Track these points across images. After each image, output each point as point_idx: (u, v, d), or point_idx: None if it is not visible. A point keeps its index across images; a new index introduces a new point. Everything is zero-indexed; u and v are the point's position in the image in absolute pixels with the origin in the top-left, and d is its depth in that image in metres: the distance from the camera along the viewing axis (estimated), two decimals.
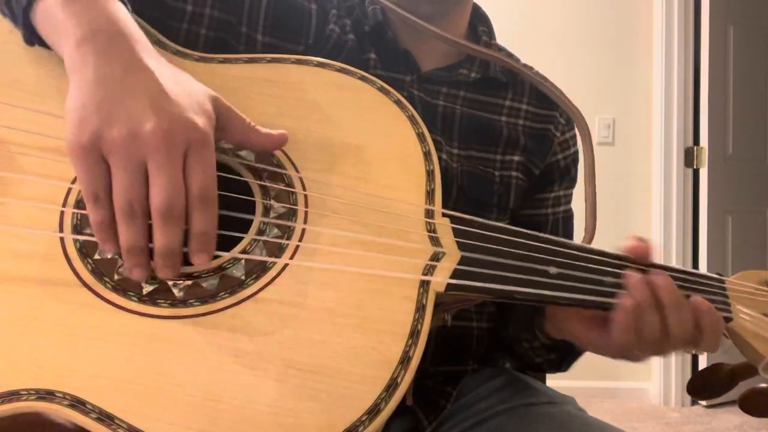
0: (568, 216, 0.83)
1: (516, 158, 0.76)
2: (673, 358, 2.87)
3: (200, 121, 0.45)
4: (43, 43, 0.52)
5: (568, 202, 0.83)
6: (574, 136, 0.81)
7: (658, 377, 2.92)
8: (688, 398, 2.91)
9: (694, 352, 0.54)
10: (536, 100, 0.79)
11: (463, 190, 0.71)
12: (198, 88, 0.48)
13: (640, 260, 0.55)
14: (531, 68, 0.77)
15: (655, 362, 2.92)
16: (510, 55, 0.78)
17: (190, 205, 0.44)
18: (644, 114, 2.97)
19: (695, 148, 2.91)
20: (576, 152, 0.82)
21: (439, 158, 0.69)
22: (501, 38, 0.83)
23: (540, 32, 2.93)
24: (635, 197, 2.96)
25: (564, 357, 0.74)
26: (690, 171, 2.94)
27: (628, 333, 0.53)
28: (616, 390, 2.92)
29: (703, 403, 2.85)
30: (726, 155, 2.94)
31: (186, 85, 0.47)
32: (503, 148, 0.76)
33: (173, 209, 0.43)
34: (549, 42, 2.92)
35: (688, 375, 2.92)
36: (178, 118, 0.44)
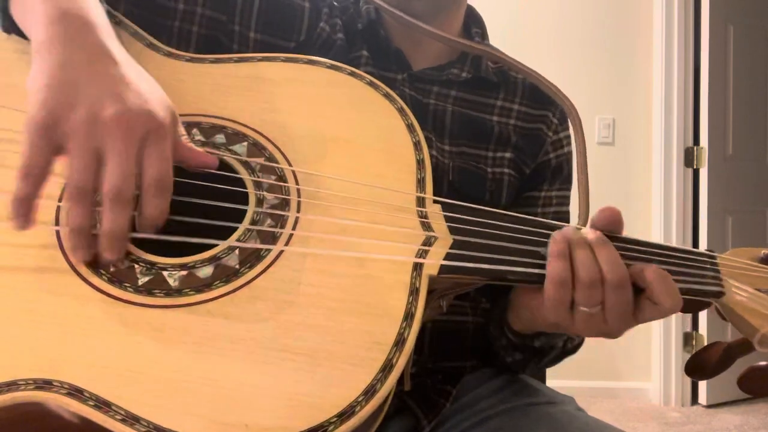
0: (561, 219, 0.81)
1: (507, 155, 0.76)
2: (673, 359, 2.87)
3: (160, 113, 0.46)
4: (18, 32, 0.53)
5: (561, 203, 0.82)
6: (569, 135, 0.81)
7: (658, 377, 2.92)
8: (688, 398, 2.92)
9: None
10: (529, 100, 0.80)
11: (454, 186, 0.71)
12: (160, 89, 0.49)
13: (614, 231, 0.53)
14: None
15: (655, 362, 2.92)
16: (504, 55, 0.78)
17: (143, 192, 0.45)
18: (644, 114, 2.97)
19: (695, 148, 2.92)
20: (570, 152, 0.82)
21: (431, 155, 0.70)
22: (500, 38, 0.84)
23: (540, 32, 2.93)
24: (635, 197, 2.96)
25: (528, 359, 0.72)
26: (690, 171, 2.94)
27: (557, 308, 0.51)
28: (616, 390, 2.92)
29: (703, 402, 2.85)
30: (726, 155, 2.94)
31: (149, 81, 0.49)
32: (494, 145, 0.76)
33: (122, 193, 0.44)
34: (549, 42, 2.92)
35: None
36: (139, 108, 0.45)
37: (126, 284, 0.46)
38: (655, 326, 2.88)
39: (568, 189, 0.83)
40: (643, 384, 2.96)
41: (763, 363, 0.56)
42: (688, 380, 2.93)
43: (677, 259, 0.55)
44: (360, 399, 0.42)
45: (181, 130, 0.51)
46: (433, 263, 0.49)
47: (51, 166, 0.44)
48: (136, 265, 0.47)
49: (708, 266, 0.55)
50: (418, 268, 0.48)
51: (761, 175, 3.06)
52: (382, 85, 0.59)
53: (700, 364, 0.58)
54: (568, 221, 0.81)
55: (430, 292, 0.48)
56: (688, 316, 2.90)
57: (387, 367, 0.43)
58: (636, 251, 0.54)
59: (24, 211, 0.45)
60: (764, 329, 0.53)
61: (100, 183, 0.44)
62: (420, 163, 0.55)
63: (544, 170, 0.80)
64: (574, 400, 0.76)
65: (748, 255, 0.59)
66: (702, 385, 2.87)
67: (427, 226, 0.51)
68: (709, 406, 2.84)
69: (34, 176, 0.44)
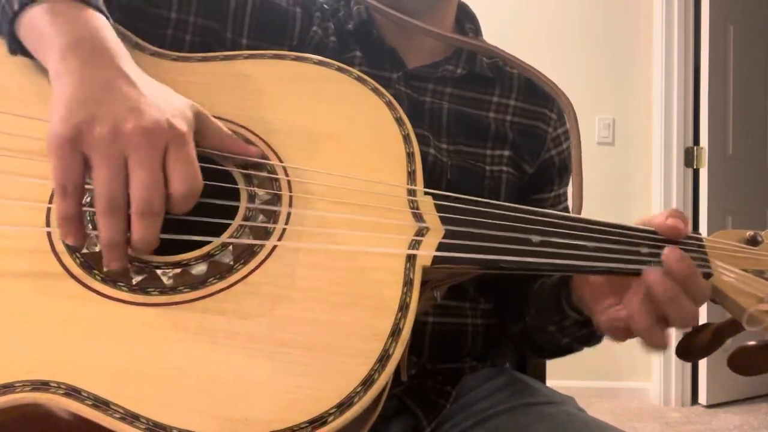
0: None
1: (506, 153, 0.76)
2: (673, 359, 2.87)
3: (179, 122, 0.47)
4: (25, 53, 0.54)
5: (567, 198, 0.83)
6: (567, 131, 0.81)
7: (658, 377, 2.92)
8: (688, 398, 2.92)
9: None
10: (525, 96, 0.79)
11: (452, 185, 0.71)
12: (177, 98, 0.51)
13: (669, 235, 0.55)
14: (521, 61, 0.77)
15: (655, 362, 2.92)
16: (499, 50, 0.78)
17: (172, 198, 0.46)
18: (644, 114, 2.97)
19: (695, 148, 2.92)
20: (570, 147, 0.82)
21: (428, 153, 0.71)
22: (499, 38, 0.84)
23: (539, 32, 2.94)
24: (635, 197, 2.96)
25: (593, 332, 0.70)
26: (690, 171, 2.94)
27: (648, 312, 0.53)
28: (616, 390, 2.92)
29: (703, 402, 2.85)
30: (726, 155, 2.94)
31: (166, 95, 0.50)
32: (492, 143, 0.76)
33: (152, 204, 0.45)
34: (548, 42, 2.92)
35: (689, 375, 2.92)
36: (158, 119, 0.46)
37: (120, 284, 0.46)
38: None
39: (568, 183, 0.84)
40: (643, 384, 2.96)
41: (751, 343, 0.56)
42: (688, 380, 2.93)
43: (666, 243, 0.55)
44: (358, 389, 0.42)
45: (216, 123, 0.52)
46: (425, 254, 0.49)
47: (84, 179, 0.45)
48: (130, 265, 0.47)
49: (695, 248, 0.56)
50: (411, 259, 0.48)
51: (761, 175, 3.06)
52: (370, 80, 0.60)
53: (691, 346, 0.58)
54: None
55: (424, 282, 0.49)
56: None
57: (384, 357, 0.43)
58: (626, 236, 0.54)
59: (74, 230, 0.45)
60: (752, 308, 0.53)
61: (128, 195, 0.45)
62: (410, 156, 0.55)
63: (548, 170, 0.80)
64: (574, 400, 0.76)
65: (735, 237, 0.60)
66: (702, 385, 2.87)
67: (418, 218, 0.51)
68: (709, 406, 2.84)
69: (71, 193, 0.44)
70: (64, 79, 0.47)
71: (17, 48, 0.54)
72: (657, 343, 0.55)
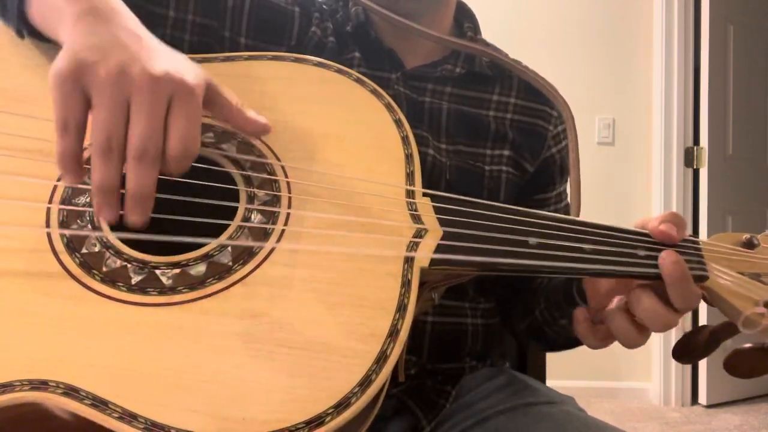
0: (566, 212, 0.83)
1: (506, 153, 0.76)
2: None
3: (189, 77, 0.45)
4: (34, 34, 0.53)
5: (566, 197, 0.84)
6: (566, 128, 0.81)
7: (658, 377, 2.92)
8: (688, 398, 2.92)
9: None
10: (525, 93, 0.79)
11: (451, 186, 0.71)
12: (193, 63, 0.49)
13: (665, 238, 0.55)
14: (519, 62, 0.77)
15: (655, 362, 2.92)
16: (497, 50, 0.78)
17: (166, 158, 0.44)
18: (644, 114, 2.97)
19: (695, 148, 2.92)
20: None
21: (427, 153, 0.71)
22: (498, 37, 0.84)
23: (539, 32, 2.93)
24: (635, 197, 2.96)
25: None
26: (690, 171, 2.94)
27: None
28: (616, 390, 2.92)
29: (703, 402, 2.85)
30: (726, 155, 2.94)
31: (180, 57, 0.48)
32: (492, 142, 0.76)
33: (149, 151, 0.43)
34: (548, 42, 2.92)
35: (689, 375, 2.92)
36: (167, 69, 0.44)
37: (119, 284, 0.46)
38: None
39: (567, 180, 0.84)
40: (643, 384, 2.96)
41: (747, 345, 0.56)
42: (688, 380, 2.93)
43: (662, 245, 0.55)
44: (356, 390, 0.42)
45: (229, 95, 0.51)
46: (423, 255, 0.49)
47: (86, 118, 0.43)
48: (129, 265, 0.47)
49: (692, 251, 0.56)
50: (409, 260, 0.48)
51: (761, 175, 3.06)
52: (369, 81, 0.60)
53: (687, 348, 0.58)
54: (568, 212, 0.82)
55: (422, 284, 0.49)
56: (689, 315, 2.90)
57: (381, 358, 0.43)
58: (623, 239, 0.54)
59: (72, 167, 0.44)
60: (748, 311, 0.53)
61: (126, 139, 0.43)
62: (408, 157, 0.55)
63: (549, 168, 0.80)
64: (574, 400, 0.76)
65: (731, 240, 0.60)
66: (702, 385, 2.87)
67: (417, 219, 0.51)
68: (709, 406, 2.84)
69: (72, 128, 0.43)
70: (77, 31, 0.46)
71: (25, 29, 0.53)
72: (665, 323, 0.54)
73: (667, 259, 0.52)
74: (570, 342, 0.76)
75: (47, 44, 0.56)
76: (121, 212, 0.44)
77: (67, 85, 0.43)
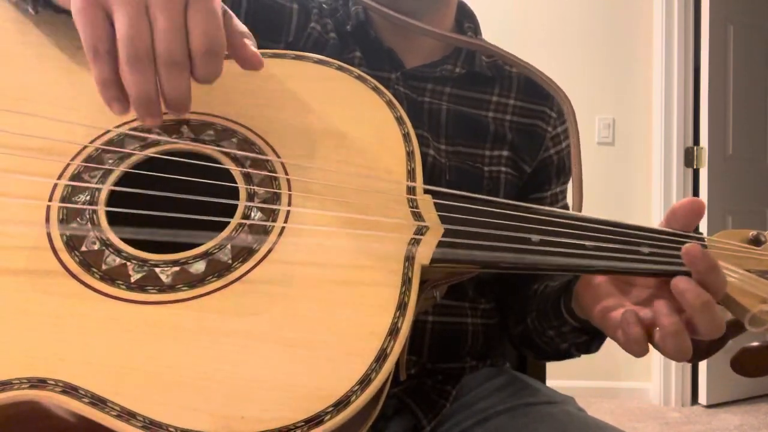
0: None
1: (505, 153, 0.76)
2: None
3: None
4: (48, 4, 0.54)
5: (564, 197, 0.83)
6: (566, 129, 0.81)
7: (658, 377, 2.92)
8: (688, 398, 2.92)
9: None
10: (525, 95, 0.79)
11: (450, 186, 0.71)
12: None
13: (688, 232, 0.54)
14: (519, 58, 0.76)
15: (655, 362, 2.92)
16: (497, 48, 0.78)
17: (193, 59, 0.44)
18: (644, 114, 2.97)
19: (695, 148, 2.92)
20: (569, 145, 0.81)
21: (427, 154, 0.71)
22: (498, 37, 0.83)
23: (539, 32, 2.94)
24: (635, 197, 2.96)
25: (593, 338, 0.70)
26: (690, 171, 2.94)
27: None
28: (616, 390, 2.92)
29: (703, 402, 2.85)
30: (726, 155, 2.94)
31: None
32: (491, 143, 0.76)
33: (175, 52, 0.43)
34: (548, 42, 2.92)
35: (689, 375, 2.92)
36: None
37: (118, 281, 0.46)
38: None
39: (568, 181, 0.83)
40: (643, 384, 2.96)
41: (755, 343, 0.56)
42: (688, 380, 2.93)
43: (666, 242, 0.54)
44: (355, 388, 0.42)
45: (240, 25, 0.50)
46: (424, 253, 0.49)
47: (114, 39, 0.43)
48: (128, 263, 0.47)
49: None
50: (410, 258, 0.48)
51: (761, 175, 3.06)
52: (370, 79, 0.60)
53: (693, 346, 0.58)
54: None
55: (422, 281, 0.48)
56: None
57: (381, 357, 0.43)
58: (627, 235, 0.54)
59: (115, 94, 0.45)
60: (755, 309, 0.52)
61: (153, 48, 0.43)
62: (410, 154, 0.55)
63: (546, 168, 0.80)
64: (574, 400, 0.76)
65: (738, 237, 0.59)
66: (702, 385, 2.87)
67: (418, 216, 0.51)
68: (709, 406, 2.84)
69: (103, 53, 0.43)
70: None
71: (39, 2, 0.53)
72: (682, 350, 0.52)
73: (692, 250, 0.51)
74: (559, 354, 0.75)
75: (50, 39, 0.56)
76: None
77: (89, 11, 0.43)
